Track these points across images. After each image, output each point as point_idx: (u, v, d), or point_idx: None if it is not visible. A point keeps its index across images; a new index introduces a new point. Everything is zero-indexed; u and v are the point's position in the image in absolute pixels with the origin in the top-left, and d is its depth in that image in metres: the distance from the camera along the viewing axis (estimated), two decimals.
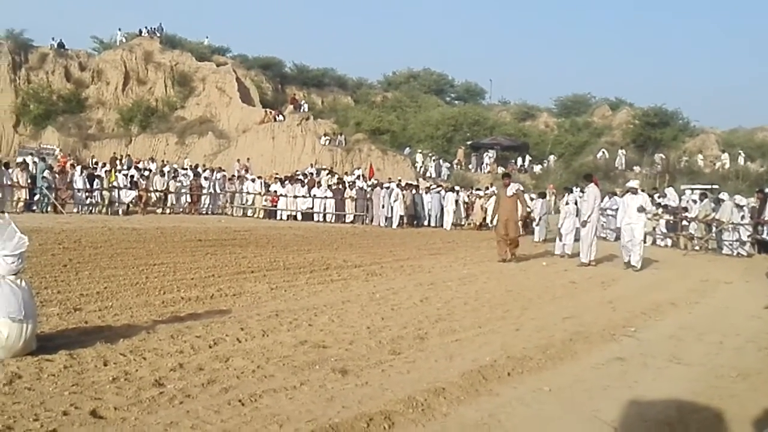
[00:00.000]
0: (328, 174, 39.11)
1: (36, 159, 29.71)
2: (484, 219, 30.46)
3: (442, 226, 30.79)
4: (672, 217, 25.23)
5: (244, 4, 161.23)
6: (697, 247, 23.23)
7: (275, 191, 33.01)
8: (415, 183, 37.08)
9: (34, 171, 27.04)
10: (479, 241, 23.88)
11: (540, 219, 25.47)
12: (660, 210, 25.69)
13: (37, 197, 26.12)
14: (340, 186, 32.98)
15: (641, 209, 16.65)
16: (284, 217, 31.75)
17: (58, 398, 5.13)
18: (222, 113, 56.30)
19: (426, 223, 31.51)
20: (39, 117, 53.65)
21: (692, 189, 30.56)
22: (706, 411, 5.64)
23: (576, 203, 19.25)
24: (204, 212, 31.52)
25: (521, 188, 18.24)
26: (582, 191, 19.35)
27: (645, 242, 24.25)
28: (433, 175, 45.68)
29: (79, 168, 29.70)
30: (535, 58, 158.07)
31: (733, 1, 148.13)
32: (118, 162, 36.14)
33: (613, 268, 16.53)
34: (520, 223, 18.13)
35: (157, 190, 30.71)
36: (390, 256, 17.08)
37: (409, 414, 5.18)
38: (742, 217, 21.72)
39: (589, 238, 16.87)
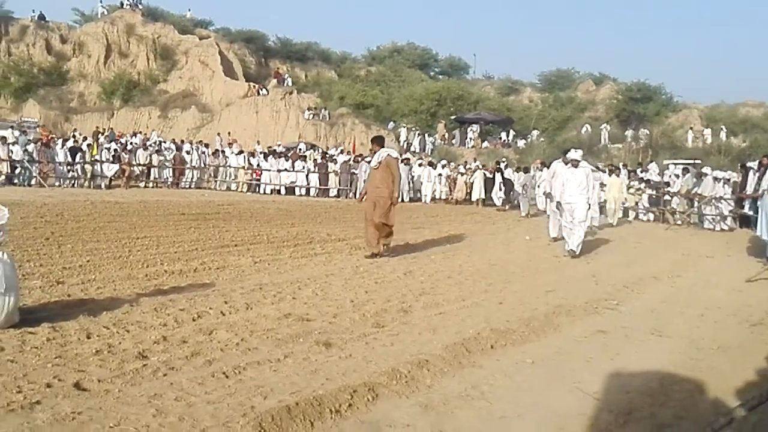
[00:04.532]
0: (309, 149, 38.97)
1: (17, 132, 29.35)
2: (468, 194, 30.63)
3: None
4: (654, 192, 25.34)
5: None
6: (679, 222, 23.35)
7: (258, 165, 32.96)
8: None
9: (15, 144, 26.76)
10: (463, 215, 23.96)
11: (523, 193, 25.60)
12: (643, 185, 25.82)
13: (18, 170, 25.91)
14: (324, 160, 32.93)
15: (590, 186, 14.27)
16: (267, 191, 31.71)
17: (41, 370, 5.12)
18: (205, 87, 56.02)
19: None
20: (20, 90, 53.20)
21: (675, 164, 30.73)
22: (687, 383, 5.69)
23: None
24: (187, 186, 31.39)
25: (395, 155, 13.47)
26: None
27: (628, 217, 24.57)
28: (417, 150, 45.56)
29: (60, 141, 29.48)
30: (519, 33, 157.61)
31: None
32: (100, 135, 35.80)
33: (596, 242, 16.55)
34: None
35: (140, 164, 30.52)
36: None
37: (392, 386, 5.20)
38: (727, 192, 21.85)
39: None
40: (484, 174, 30.79)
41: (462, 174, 31.71)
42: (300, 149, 38.68)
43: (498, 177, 28.88)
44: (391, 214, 12.64)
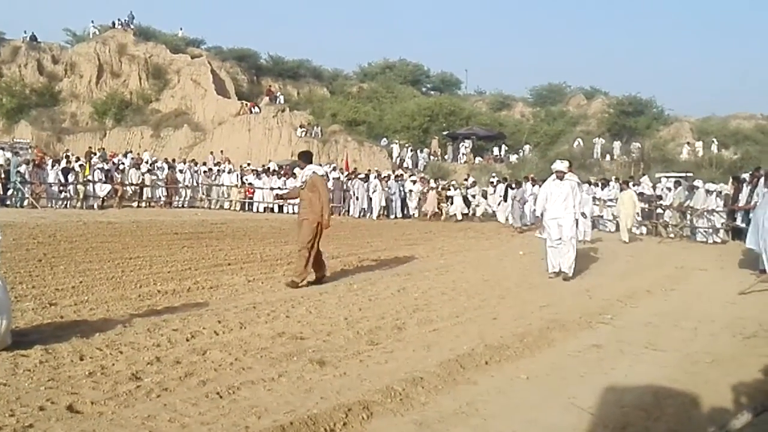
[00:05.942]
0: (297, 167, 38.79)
1: (9, 153, 29.29)
2: (440, 209, 30.53)
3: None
4: (647, 205, 25.40)
5: None
6: (672, 235, 23.41)
7: (250, 183, 32.94)
8: (397, 173, 37.02)
9: (8, 166, 26.69)
10: (456, 231, 23.98)
11: (519, 206, 25.60)
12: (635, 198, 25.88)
13: (10, 192, 25.84)
14: None
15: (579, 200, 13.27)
16: (261, 210, 31.68)
17: (33, 393, 5.09)
18: (197, 106, 56.09)
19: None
20: (12, 111, 53.24)
21: (667, 177, 30.82)
22: (682, 396, 5.69)
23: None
24: (180, 205, 31.35)
25: (321, 172, 12.03)
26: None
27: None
28: (410, 166, 45.61)
29: (50, 162, 29.44)
30: (510, 48, 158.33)
31: None
32: (93, 156, 35.76)
33: (589, 257, 16.56)
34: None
35: (132, 184, 30.47)
36: (367, 247, 17.08)
37: (387, 404, 5.19)
38: (719, 205, 21.92)
39: None
40: (463, 191, 30.77)
41: (432, 188, 31.62)
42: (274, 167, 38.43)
43: (510, 195, 28.46)
44: (311, 237, 11.14)
